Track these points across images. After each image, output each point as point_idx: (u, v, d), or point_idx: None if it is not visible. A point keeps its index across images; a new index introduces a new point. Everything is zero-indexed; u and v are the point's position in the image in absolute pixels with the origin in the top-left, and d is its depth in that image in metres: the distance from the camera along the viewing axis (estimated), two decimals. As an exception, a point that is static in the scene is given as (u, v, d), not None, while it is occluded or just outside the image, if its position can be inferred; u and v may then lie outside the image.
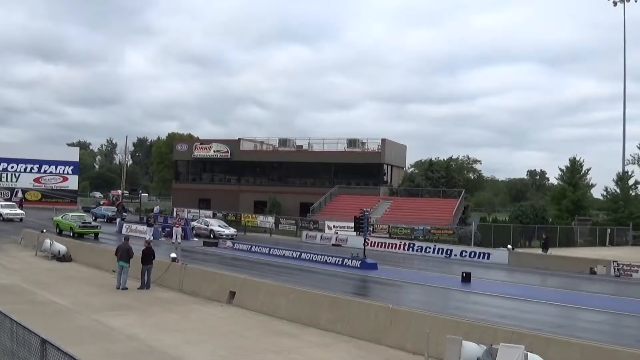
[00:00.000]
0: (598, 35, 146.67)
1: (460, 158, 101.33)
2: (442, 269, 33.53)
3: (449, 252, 40.60)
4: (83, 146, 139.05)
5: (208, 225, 46.32)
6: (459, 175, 78.91)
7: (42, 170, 75.19)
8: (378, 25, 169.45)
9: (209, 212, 59.45)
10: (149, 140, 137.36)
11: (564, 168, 63.69)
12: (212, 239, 42.29)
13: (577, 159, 63.02)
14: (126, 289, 20.73)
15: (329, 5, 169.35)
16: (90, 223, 41.45)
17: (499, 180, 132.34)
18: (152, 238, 36.76)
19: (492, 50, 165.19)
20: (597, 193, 68.65)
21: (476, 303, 22.17)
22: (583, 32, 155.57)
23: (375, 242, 43.14)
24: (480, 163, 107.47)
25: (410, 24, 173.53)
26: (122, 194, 69.45)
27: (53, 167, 75.77)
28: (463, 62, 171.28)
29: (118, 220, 49.37)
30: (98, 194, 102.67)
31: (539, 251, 41.03)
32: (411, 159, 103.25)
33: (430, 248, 41.74)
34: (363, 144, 62.39)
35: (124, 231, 42.99)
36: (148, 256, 21.33)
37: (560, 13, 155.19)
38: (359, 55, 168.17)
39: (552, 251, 40.47)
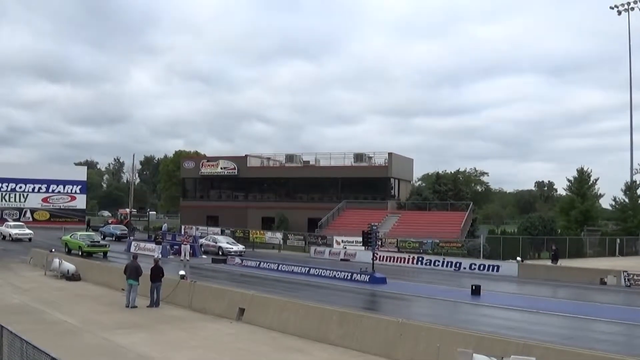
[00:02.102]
0: (601, 44, 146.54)
1: (467, 170, 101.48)
2: (452, 282, 33.39)
3: (458, 265, 40.46)
4: (90, 165, 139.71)
5: (216, 242, 46.37)
6: (466, 187, 78.81)
7: (50, 190, 75.60)
8: (380, 38, 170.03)
9: (217, 229, 59.49)
10: (156, 159, 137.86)
11: (571, 179, 63.57)
12: (220, 255, 42.32)
13: (585, 169, 62.92)
14: (135, 307, 20.73)
15: (331, 20, 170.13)
16: (99, 242, 41.58)
17: (507, 192, 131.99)
18: (160, 256, 36.74)
19: (495, 61, 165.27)
20: (605, 203, 68.43)
21: (486, 316, 22.06)
22: (585, 41, 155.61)
23: (383, 257, 43.07)
24: (488, 175, 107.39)
25: (412, 36, 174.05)
26: (130, 212, 69.60)
27: (61, 186, 76.19)
28: (466, 74, 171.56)
29: (129, 238, 49.52)
30: (106, 213, 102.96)
31: (549, 263, 40.84)
32: (418, 172, 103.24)
33: (439, 261, 41.60)
34: (370, 158, 62.41)
35: (132, 249, 43.06)
36: (157, 274, 21.33)
37: (561, 23, 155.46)
38: (361, 69, 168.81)
39: (562, 262, 40.28)
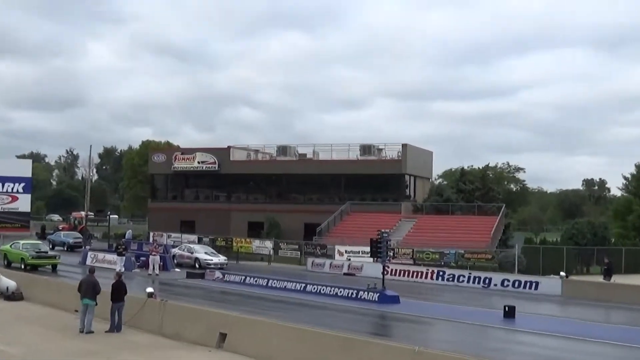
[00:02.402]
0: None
1: (499, 166, 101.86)
2: (480, 301, 33.49)
3: (487, 281, 40.52)
4: (37, 158, 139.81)
5: (192, 253, 46.41)
6: (497, 186, 79.01)
7: (-16, 189, 75.31)
8: (392, 5, 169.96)
9: (193, 237, 59.51)
10: (119, 151, 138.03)
11: (628, 176, 63.79)
12: (197, 269, 42.53)
13: (645, 164, 62.99)
14: (92, 332, 20.70)
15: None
16: (47, 252, 41.57)
17: (548, 192, 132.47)
18: (123, 269, 36.77)
19: (533, 32, 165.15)
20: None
21: (522, 343, 22.11)
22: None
23: (396, 270, 43.08)
24: (524, 171, 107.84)
25: (431, 3, 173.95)
26: (87, 216, 69.59)
27: (-1, 184, 75.94)
28: (497, 48, 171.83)
29: (84, 248, 49.53)
30: (56, 217, 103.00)
31: (600, 279, 40.87)
32: (438, 168, 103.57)
33: (464, 276, 41.68)
34: (379, 150, 62.43)
35: (88, 262, 43.09)
36: (119, 291, 21.31)
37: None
38: (370, 43, 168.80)
39: (617, 279, 40.31)
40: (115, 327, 21.12)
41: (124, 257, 41.14)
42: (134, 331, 21.09)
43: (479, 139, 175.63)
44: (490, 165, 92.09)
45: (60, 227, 70.88)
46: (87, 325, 20.85)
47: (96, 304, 21.06)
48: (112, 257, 42.65)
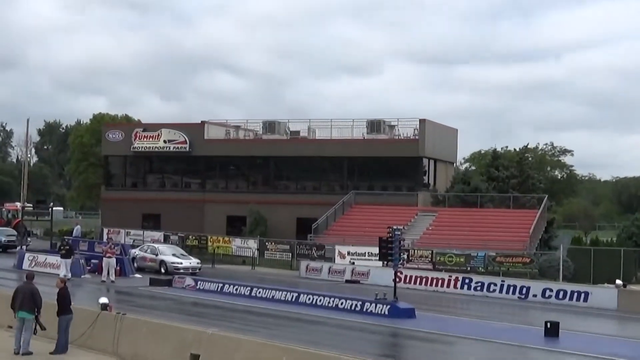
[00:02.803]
0: None
1: (540, 147, 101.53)
2: (515, 316, 33.78)
3: (524, 290, 40.64)
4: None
5: (157, 255, 46.46)
6: (538, 173, 79.01)
7: None
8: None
9: (158, 235, 59.54)
10: (64, 126, 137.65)
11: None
12: (163, 274, 42.85)
13: None
14: (30, 353, 20.60)
15: None
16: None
17: (601, 180, 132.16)
18: (69, 275, 36.82)
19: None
20: None
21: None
22: None
23: (411, 277, 43.36)
24: (572, 154, 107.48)
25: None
26: (23, 208, 69.53)
27: None
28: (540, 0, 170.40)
29: (20, 248, 49.49)
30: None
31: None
32: (465, 150, 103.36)
33: (495, 285, 41.83)
34: (391, 127, 62.37)
35: (25, 265, 43.13)
36: (64, 302, 21.23)
37: None
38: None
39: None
40: (61, 347, 20.97)
41: (69, 260, 41.07)
42: (83, 352, 21.08)
43: (515, 113, 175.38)
44: (529, 146, 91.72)
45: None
46: (23, 345, 20.73)
47: (36, 319, 20.91)
48: (55, 259, 42.61)
